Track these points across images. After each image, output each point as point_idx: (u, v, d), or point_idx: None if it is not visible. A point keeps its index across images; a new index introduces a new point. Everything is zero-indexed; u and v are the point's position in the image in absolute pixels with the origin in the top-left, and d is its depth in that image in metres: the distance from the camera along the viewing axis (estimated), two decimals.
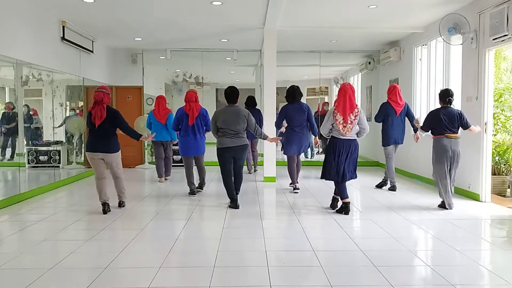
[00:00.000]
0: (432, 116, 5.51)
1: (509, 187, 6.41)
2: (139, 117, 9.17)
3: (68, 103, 8.77)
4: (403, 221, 4.90)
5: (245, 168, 7.46)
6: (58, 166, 7.94)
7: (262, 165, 8.06)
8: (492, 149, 6.16)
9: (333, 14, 7.05)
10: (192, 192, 6.33)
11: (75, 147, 8.85)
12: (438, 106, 5.60)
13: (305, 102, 6.84)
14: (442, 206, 5.46)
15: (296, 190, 6.63)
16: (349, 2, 6.37)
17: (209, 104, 11.16)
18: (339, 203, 5.33)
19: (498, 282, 3.16)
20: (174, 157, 8.58)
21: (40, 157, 7.87)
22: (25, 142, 7.62)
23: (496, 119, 6.74)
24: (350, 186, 6.73)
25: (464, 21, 6.05)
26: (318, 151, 11.37)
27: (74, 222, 4.81)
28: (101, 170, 5.19)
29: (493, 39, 5.57)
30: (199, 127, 6.19)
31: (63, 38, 7.35)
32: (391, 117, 6.60)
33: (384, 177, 6.97)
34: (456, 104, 5.89)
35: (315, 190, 6.82)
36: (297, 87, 6.65)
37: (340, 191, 5.23)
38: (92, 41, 8.60)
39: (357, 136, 5.16)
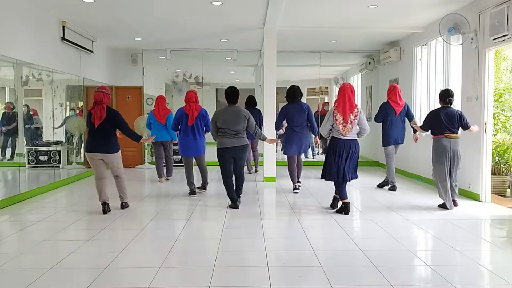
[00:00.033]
0: (432, 116, 5.52)
1: (509, 187, 6.41)
2: (139, 117, 9.17)
3: (68, 103, 8.77)
4: (403, 221, 4.90)
5: (245, 168, 7.45)
6: (58, 166, 7.94)
7: (262, 165, 8.07)
8: (492, 149, 6.16)
9: (333, 14, 7.05)
10: (192, 192, 6.33)
11: (75, 147, 8.85)
12: (438, 106, 5.61)
13: (305, 102, 6.84)
14: (442, 206, 5.46)
15: (296, 190, 6.63)
16: (349, 2, 6.37)
17: (209, 104, 11.16)
18: (340, 203, 5.33)
19: (498, 282, 3.16)
20: (174, 157, 8.57)
21: (40, 157, 7.87)
22: (25, 142, 7.62)
23: (496, 119, 6.74)
24: (350, 186, 6.74)
25: (464, 21, 6.05)
26: (319, 152, 11.36)
27: (74, 222, 4.81)
28: (101, 170, 5.18)
29: (493, 39, 5.57)
30: (199, 127, 6.19)
31: (63, 38, 7.35)
32: (391, 117, 6.61)
33: (386, 177, 6.96)
34: (456, 104, 5.89)
35: (315, 190, 6.82)
36: (298, 87, 6.65)
37: (340, 192, 5.23)
38: (92, 41, 8.60)
39: (358, 137, 5.16)
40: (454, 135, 5.35)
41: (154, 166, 8.17)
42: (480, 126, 5.86)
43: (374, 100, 10.22)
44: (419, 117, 7.83)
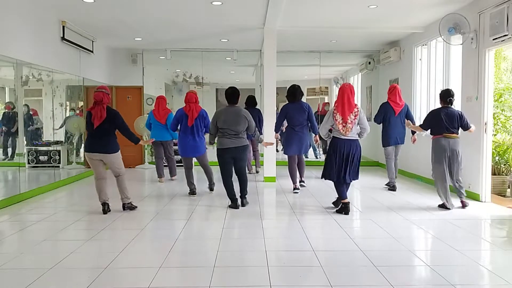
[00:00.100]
0: (433, 116, 5.52)
1: (509, 187, 6.41)
2: (139, 117, 9.18)
3: (68, 103, 8.77)
4: (403, 221, 4.90)
5: None
6: (58, 166, 7.95)
7: (262, 165, 8.07)
8: (492, 149, 6.16)
9: (333, 14, 7.05)
10: (192, 192, 6.33)
11: (75, 147, 8.85)
12: (438, 106, 5.61)
13: (305, 102, 6.84)
14: (442, 206, 5.46)
15: (296, 190, 6.63)
16: (349, 2, 6.37)
17: (209, 104, 11.16)
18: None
19: (498, 282, 3.16)
20: (175, 157, 8.57)
21: (40, 157, 7.87)
22: (25, 142, 7.62)
23: (496, 119, 6.74)
24: (350, 186, 6.72)
25: (464, 21, 6.05)
26: (320, 152, 11.33)
27: (74, 222, 4.81)
28: (100, 171, 5.17)
29: (493, 39, 5.57)
30: (198, 128, 6.18)
31: (63, 38, 7.35)
32: (390, 117, 6.61)
33: (394, 178, 6.90)
34: (456, 104, 5.89)
35: (315, 190, 6.81)
36: (298, 86, 6.65)
37: (340, 192, 5.23)
38: (92, 41, 8.60)
39: (359, 137, 5.16)
40: (454, 135, 5.34)
41: (154, 166, 8.17)
42: (480, 126, 5.86)
43: (374, 100, 10.22)
44: (419, 117, 7.84)
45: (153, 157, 8.71)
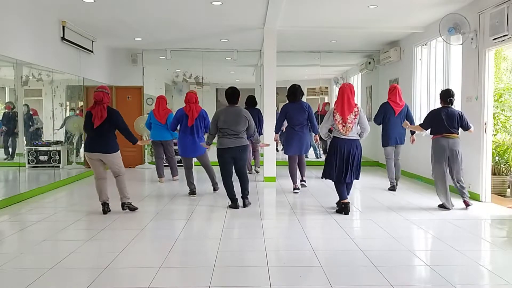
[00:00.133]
0: (433, 116, 5.51)
1: (509, 187, 6.41)
2: (139, 117, 9.18)
3: (68, 103, 8.77)
4: (403, 221, 4.90)
5: None
6: (58, 166, 7.95)
7: (262, 165, 8.06)
8: (492, 149, 6.16)
9: (333, 14, 7.05)
10: (192, 192, 6.33)
11: (75, 147, 8.85)
12: (438, 106, 5.61)
13: (305, 102, 6.83)
14: (442, 206, 5.46)
15: (296, 190, 6.63)
16: (349, 2, 6.37)
17: (209, 104, 11.15)
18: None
19: (498, 282, 3.16)
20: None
21: (40, 157, 7.87)
22: (25, 142, 7.62)
23: (496, 119, 6.74)
24: None
25: (464, 21, 6.05)
26: (320, 152, 11.33)
27: (74, 222, 4.81)
28: (100, 171, 5.16)
29: (493, 39, 5.57)
30: (198, 128, 6.18)
31: (63, 38, 7.35)
32: (390, 117, 6.60)
33: (394, 178, 6.90)
34: (456, 104, 5.88)
35: (315, 190, 6.81)
36: (299, 86, 6.65)
37: (340, 192, 5.22)
38: (92, 41, 8.60)
39: (360, 137, 5.16)
40: (453, 135, 5.34)
41: (154, 166, 8.17)
42: (480, 126, 5.87)
43: (374, 100, 10.22)
44: (419, 117, 7.84)
45: (153, 157, 8.71)
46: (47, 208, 5.74)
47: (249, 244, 4.06)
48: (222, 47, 9.88)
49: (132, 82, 10.04)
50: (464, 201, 5.43)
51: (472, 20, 6.04)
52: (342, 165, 5.07)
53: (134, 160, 9.82)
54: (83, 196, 6.64)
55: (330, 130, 5.28)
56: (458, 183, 5.41)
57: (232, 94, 5.49)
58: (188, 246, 3.97)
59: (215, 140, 5.59)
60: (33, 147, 7.81)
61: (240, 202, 5.53)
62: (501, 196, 6.37)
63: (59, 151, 7.93)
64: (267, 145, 6.39)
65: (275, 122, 7.02)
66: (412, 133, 6.67)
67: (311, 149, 9.81)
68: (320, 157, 10.61)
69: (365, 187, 7.13)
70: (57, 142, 7.96)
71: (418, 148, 7.43)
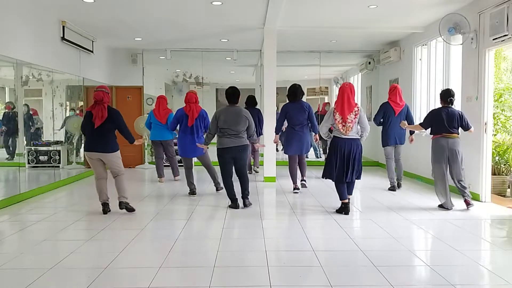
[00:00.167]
0: (433, 115, 5.51)
1: (509, 187, 6.41)
2: (139, 117, 9.18)
3: (68, 103, 8.77)
4: (403, 221, 4.90)
5: None
6: (58, 166, 7.94)
7: (262, 165, 8.06)
8: (492, 149, 6.16)
9: (333, 14, 7.05)
10: (192, 192, 6.33)
11: (75, 147, 8.85)
12: (439, 105, 5.61)
13: (306, 102, 6.83)
14: (442, 206, 5.46)
15: (296, 190, 6.62)
16: (349, 2, 6.37)
17: (209, 104, 11.17)
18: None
19: (498, 282, 3.16)
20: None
21: (40, 157, 7.87)
22: (25, 142, 7.62)
23: (496, 119, 6.74)
24: None
25: (464, 21, 6.05)
26: (320, 151, 11.33)
27: (74, 222, 4.81)
28: (100, 170, 5.16)
29: (493, 39, 5.57)
30: (198, 128, 6.18)
31: (63, 38, 7.35)
32: (390, 117, 6.60)
33: (396, 178, 6.89)
34: (456, 104, 5.88)
35: (315, 190, 6.81)
36: (299, 85, 6.65)
37: (339, 192, 5.22)
38: (92, 41, 8.60)
39: (360, 137, 5.16)
40: (453, 135, 5.34)
41: (154, 166, 8.17)
42: (480, 126, 5.87)
43: (374, 100, 10.22)
44: (419, 117, 7.84)
45: (153, 157, 8.71)
46: (47, 208, 5.74)
47: (249, 244, 4.06)
48: (222, 47, 9.88)
49: (132, 82, 10.04)
50: (465, 200, 5.42)
51: (472, 20, 6.04)
52: (343, 165, 5.07)
53: (134, 160, 9.82)
54: (83, 196, 6.64)
55: (330, 130, 5.28)
56: (459, 183, 5.40)
57: (232, 94, 5.49)
58: (188, 246, 3.97)
59: (214, 140, 5.59)
60: (33, 147, 7.81)
61: (240, 202, 5.52)
62: (501, 196, 6.37)
63: (59, 151, 7.93)
64: (263, 146, 6.38)
65: (275, 122, 7.03)
66: (411, 133, 6.67)
67: (311, 149, 9.81)
68: (320, 157, 10.61)
69: (365, 187, 7.13)
70: (57, 142, 7.96)
71: (418, 148, 7.44)
